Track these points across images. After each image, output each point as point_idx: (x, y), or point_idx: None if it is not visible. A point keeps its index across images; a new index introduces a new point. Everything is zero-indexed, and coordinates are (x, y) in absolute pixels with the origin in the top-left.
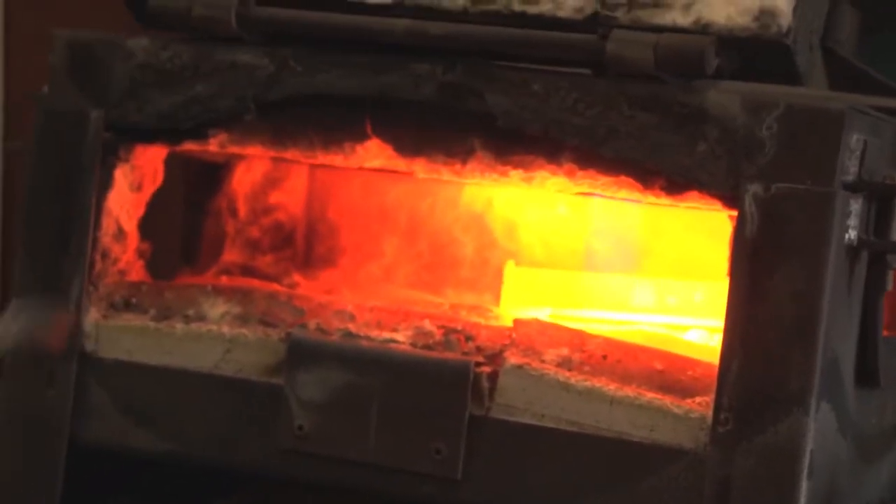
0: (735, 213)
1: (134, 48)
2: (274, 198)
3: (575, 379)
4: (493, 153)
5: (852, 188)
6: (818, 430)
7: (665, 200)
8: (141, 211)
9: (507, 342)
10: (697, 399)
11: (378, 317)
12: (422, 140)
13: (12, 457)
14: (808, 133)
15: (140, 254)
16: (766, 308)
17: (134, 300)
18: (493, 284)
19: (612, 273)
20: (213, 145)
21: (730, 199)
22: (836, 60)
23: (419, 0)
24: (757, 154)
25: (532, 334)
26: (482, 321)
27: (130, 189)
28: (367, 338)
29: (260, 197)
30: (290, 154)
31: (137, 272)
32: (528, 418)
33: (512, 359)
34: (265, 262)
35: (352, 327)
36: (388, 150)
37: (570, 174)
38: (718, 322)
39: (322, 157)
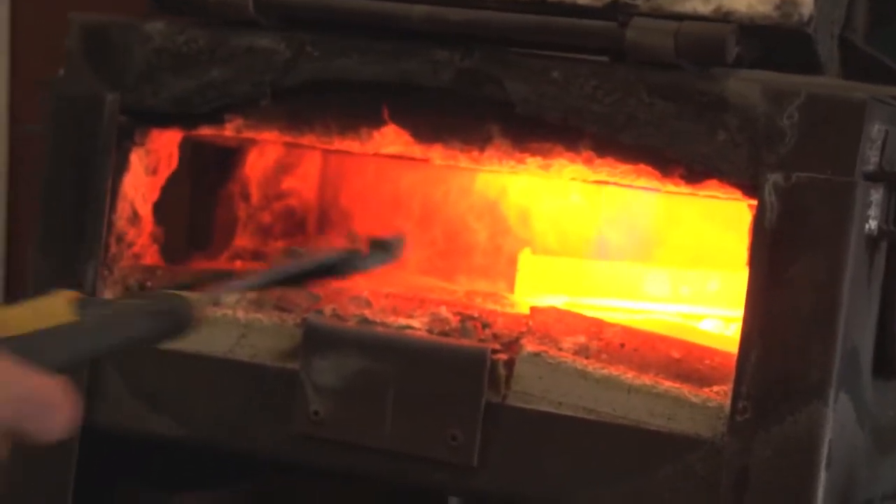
0: (755, 202)
1: (150, 32)
2: (286, 183)
3: (592, 367)
4: (510, 140)
5: (873, 178)
6: (836, 420)
7: (684, 189)
8: (156, 195)
9: (523, 329)
10: (715, 388)
11: (394, 303)
12: (439, 127)
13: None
14: (830, 122)
15: (154, 238)
16: (786, 298)
17: (149, 284)
18: (507, 272)
19: (626, 262)
20: (229, 130)
21: (749, 188)
22: (851, 50)
23: None
24: (777, 143)
25: (549, 322)
26: (498, 308)
27: (146, 173)
28: (384, 324)
29: (272, 182)
30: (306, 140)
31: (152, 256)
32: (545, 406)
33: (529, 346)
34: (277, 247)
35: (368, 313)
36: (405, 137)
37: (588, 162)
38: (733, 312)
39: (338, 143)
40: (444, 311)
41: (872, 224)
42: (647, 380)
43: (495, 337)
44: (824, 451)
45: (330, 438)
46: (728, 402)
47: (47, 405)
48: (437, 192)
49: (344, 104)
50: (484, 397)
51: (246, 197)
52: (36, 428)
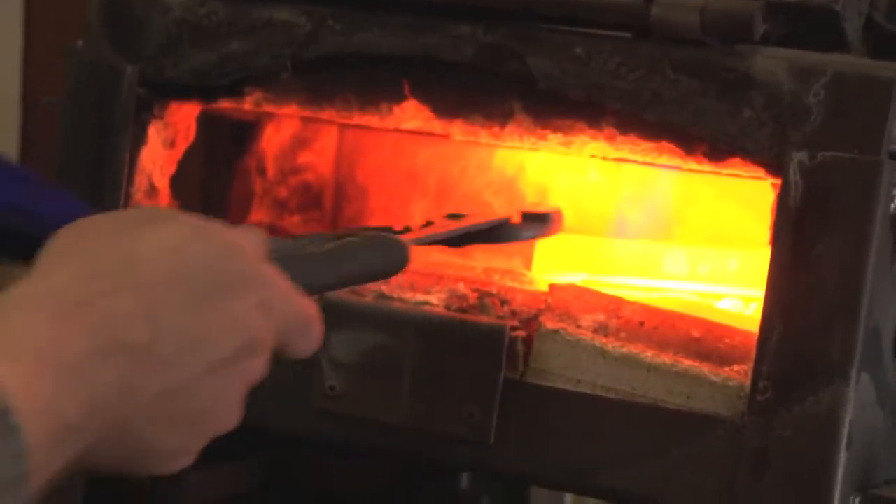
0: (779, 181)
1: (171, 3)
2: (303, 158)
3: (611, 345)
4: (532, 116)
5: None
6: (857, 400)
7: (707, 167)
8: (173, 168)
9: (542, 307)
10: (735, 367)
11: (411, 279)
12: (460, 102)
13: None
14: (857, 101)
15: None
16: (809, 277)
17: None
18: (523, 249)
19: (645, 240)
20: (249, 103)
21: (774, 166)
22: (874, 28)
23: None
24: (803, 121)
25: (568, 299)
26: (516, 285)
27: (163, 146)
28: (401, 300)
29: (289, 157)
30: (325, 114)
31: None
32: (563, 384)
33: (548, 323)
34: (293, 222)
35: (385, 289)
36: (426, 112)
37: (610, 139)
38: (752, 291)
39: (358, 118)
40: (461, 288)
41: None
42: (666, 358)
43: (514, 314)
44: (845, 431)
45: (345, 414)
46: (748, 381)
47: (308, 325)
48: (455, 167)
49: (364, 78)
50: (502, 374)
51: (262, 171)
52: (295, 345)
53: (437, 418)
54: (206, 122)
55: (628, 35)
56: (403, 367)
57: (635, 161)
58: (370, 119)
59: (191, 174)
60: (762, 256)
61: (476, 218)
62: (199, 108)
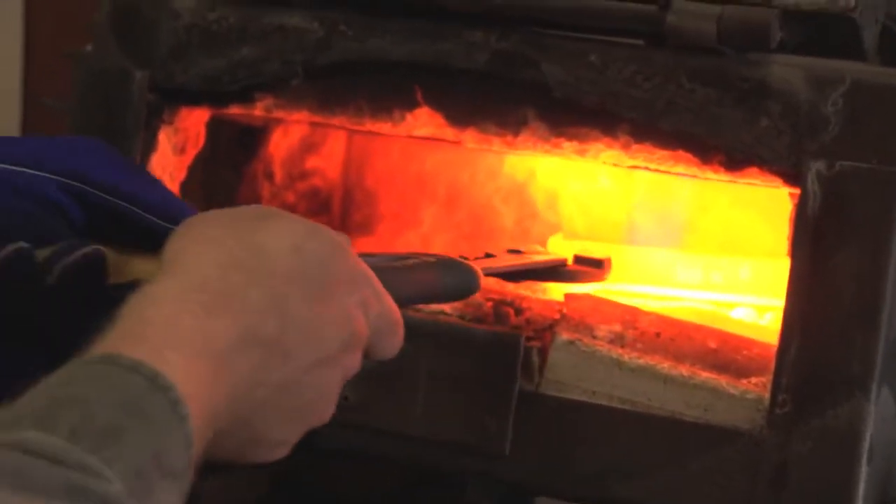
0: (796, 191)
1: (180, 9)
2: (311, 162)
3: (628, 356)
4: (546, 124)
5: None
6: (878, 413)
7: (723, 177)
8: (183, 174)
9: (557, 317)
10: (753, 379)
11: None
12: (473, 109)
13: None
14: (875, 110)
15: None
16: (828, 289)
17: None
18: None
19: (657, 248)
20: (259, 109)
21: (791, 176)
22: (889, 37)
23: None
24: (821, 131)
25: (583, 309)
26: (530, 294)
27: (174, 152)
28: (416, 309)
29: (296, 161)
30: (337, 120)
31: None
32: (579, 395)
33: (563, 334)
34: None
35: None
36: (438, 119)
37: (625, 147)
38: (766, 300)
39: (370, 125)
40: (476, 297)
41: None
42: (683, 370)
43: (528, 323)
44: (865, 445)
45: (360, 423)
46: (767, 394)
47: (396, 325)
48: (464, 173)
49: (376, 85)
50: (517, 385)
51: (269, 176)
52: (383, 344)
53: (452, 429)
54: (214, 127)
55: (643, 43)
56: (418, 378)
57: (650, 169)
58: (382, 126)
59: (197, 179)
60: (776, 265)
61: (535, 255)
62: (208, 113)
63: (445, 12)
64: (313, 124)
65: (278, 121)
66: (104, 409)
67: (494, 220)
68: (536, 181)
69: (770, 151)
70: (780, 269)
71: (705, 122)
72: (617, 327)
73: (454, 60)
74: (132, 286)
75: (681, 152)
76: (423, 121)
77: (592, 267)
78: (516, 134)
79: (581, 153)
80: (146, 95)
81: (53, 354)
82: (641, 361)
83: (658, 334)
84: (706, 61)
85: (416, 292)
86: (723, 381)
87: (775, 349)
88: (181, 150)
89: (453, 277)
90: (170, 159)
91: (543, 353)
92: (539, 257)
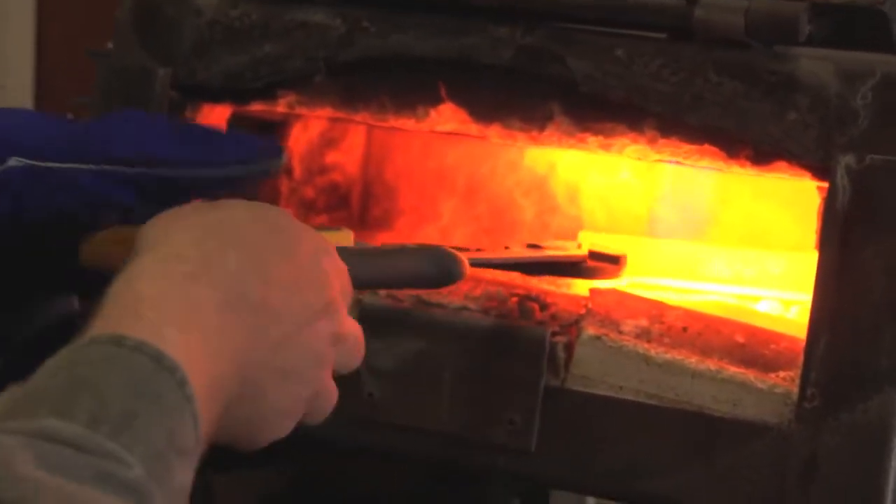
0: (825, 184)
1: (202, 6)
2: (330, 157)
3: (654, 351)
4: (572, 119)
5: None
6: None
7: (751, 171)
8: None
9: (582, 312)
10: (781, 374)
11: None
12: (498, 105)
13: None
14: None
15: None
16: (857, 283)
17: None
18: None
19: (681, 241)
20: (282, 106)
21: (820, 170)
22: None
23: None
24: (850, 124)
25: (609, 304)
26: (555, 289)
27: None
28: (440, 305)
29: (316, 156)
30: (360, 116)
31: None
32: (606, 390)
33: (589, 329)
34: (319, 222)
35: (423, 294)
36: (462, 115)
37: (651, 142)
38: (791, 294)
39: (393, 121)
40: (501, 292)
41: None
42: (711, 365)
43: (554, 319)
44: (895, 439)
45: (385, 421)
46: (795, 388)
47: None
48: (484, 167)
49: (400, 81)
50: (543, 381)
51: (288, 171)
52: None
53: (478, 425)
54: (232, 121)
55: (664, 36)
56: (443, 374)
57: (677, 163)
58: (406, 122)
59: None
60: (801, 258)
61: (554, 250)
62: (230, 110)
63: (469, 8)
64: (332, 118)
65: (298, 116)
66: (117, 393)
67: (514, 213)
68: (557, 174)
69: (798, 145)
70: (804, 262)
71: (733, 115)
72: (643, 322)
73: (479, 56)
74: None
75: (707, 146)
76: (447, 116)
77: (608, 263)
78: (541, 129)
79: (606, 148)
80: (168, 93)
81: None
82: (669, 356)
83: (685, 328)
84: (734, 55)
85: (383, 274)
86: (751, 375)
87: (803, 343)
88: None
89: (428, 262)
90: None
91: (569, 348)
92: (552, 252)
